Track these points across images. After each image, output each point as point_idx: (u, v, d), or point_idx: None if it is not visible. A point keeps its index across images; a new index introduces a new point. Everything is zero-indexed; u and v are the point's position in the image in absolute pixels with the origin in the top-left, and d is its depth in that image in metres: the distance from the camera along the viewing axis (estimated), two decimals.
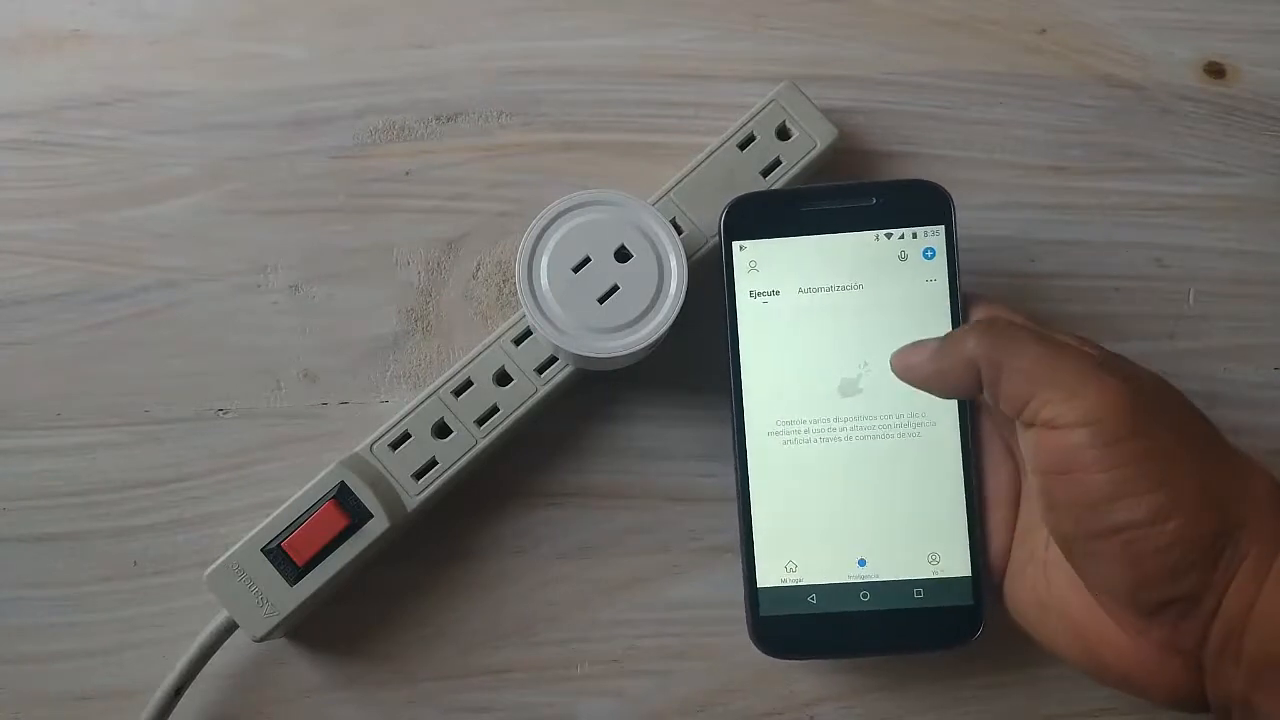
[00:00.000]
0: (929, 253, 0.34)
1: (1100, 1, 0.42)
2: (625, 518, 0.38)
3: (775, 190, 0.35)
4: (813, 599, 0.34)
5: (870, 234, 0.35)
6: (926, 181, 0.35)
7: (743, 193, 0.35)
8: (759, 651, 0.34)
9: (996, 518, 0.33)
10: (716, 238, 0.36)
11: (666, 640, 0.37)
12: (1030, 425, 0.29)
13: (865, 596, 0.33)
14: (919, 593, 0.33)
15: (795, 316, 0.35)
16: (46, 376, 0.38)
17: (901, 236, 0.34)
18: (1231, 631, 0.27)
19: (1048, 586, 0.31)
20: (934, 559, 0.33)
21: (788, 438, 0.34)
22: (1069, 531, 0.28)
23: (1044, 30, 0.42)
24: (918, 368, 0.32)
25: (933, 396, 0.33)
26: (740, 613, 0.34)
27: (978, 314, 0.33)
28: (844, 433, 0.34)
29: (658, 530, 0.38)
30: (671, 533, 0.38)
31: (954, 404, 0.34)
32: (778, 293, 0.35)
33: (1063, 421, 0.28)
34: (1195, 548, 0.27)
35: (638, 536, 0.38)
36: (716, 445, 0.38)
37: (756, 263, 0.35)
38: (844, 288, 0.35)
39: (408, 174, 0.40)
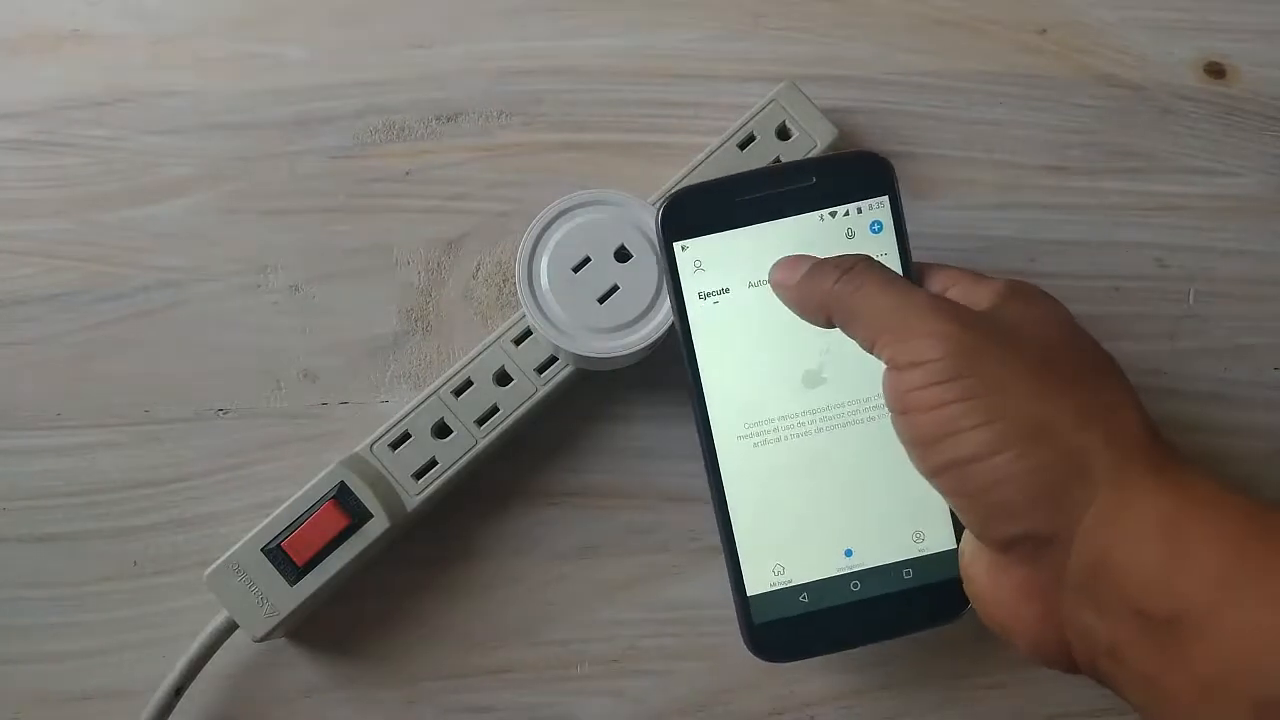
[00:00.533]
0: (876, 226, 0.33)
1: (1100, 1, 0.42)
2: (625, 518, 0.38)
3: (709, 182, 0.34)
4: (804, 598, 0.33)
5: (814, 215, 0.33)
6: (864, 152, 0.34)
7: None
8: (757, 658, 0.33)
9: None
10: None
11: (666, 640, 0.37)
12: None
13: (856, 586, 0.33)
14: (908, 573, 0.33)
15: (749, 313, 0.33)
16: (46, 376, 0.38)
17: (846, 213, 0.33)
18: (1089, 578, 0.26)
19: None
20: (919, 537, 0.33)
21: (757, 439, 0.33)
22: (920, 470, 0.29)
23: (1044, 30, 0.42)
24: (784, 289, 0.32)
25: None
26: (732, 595, 0.34)
27: (932, 283, 0.32)
28: (813, 425, 0.33)
29: (657, 530, 0.38)
30: (671, 533, 0.38)
31: None
32: (727, 290, 0.33)
33: (898, 363, 0.28)
34: (1030, 483, 0.26)
35: (637, 536, 0.38)
36: None
37: (701, 262, 0.33)
38: None
39: (408, 174, 0.40)
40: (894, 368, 0.29)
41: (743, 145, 0.38)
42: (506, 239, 0.39)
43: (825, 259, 0.31)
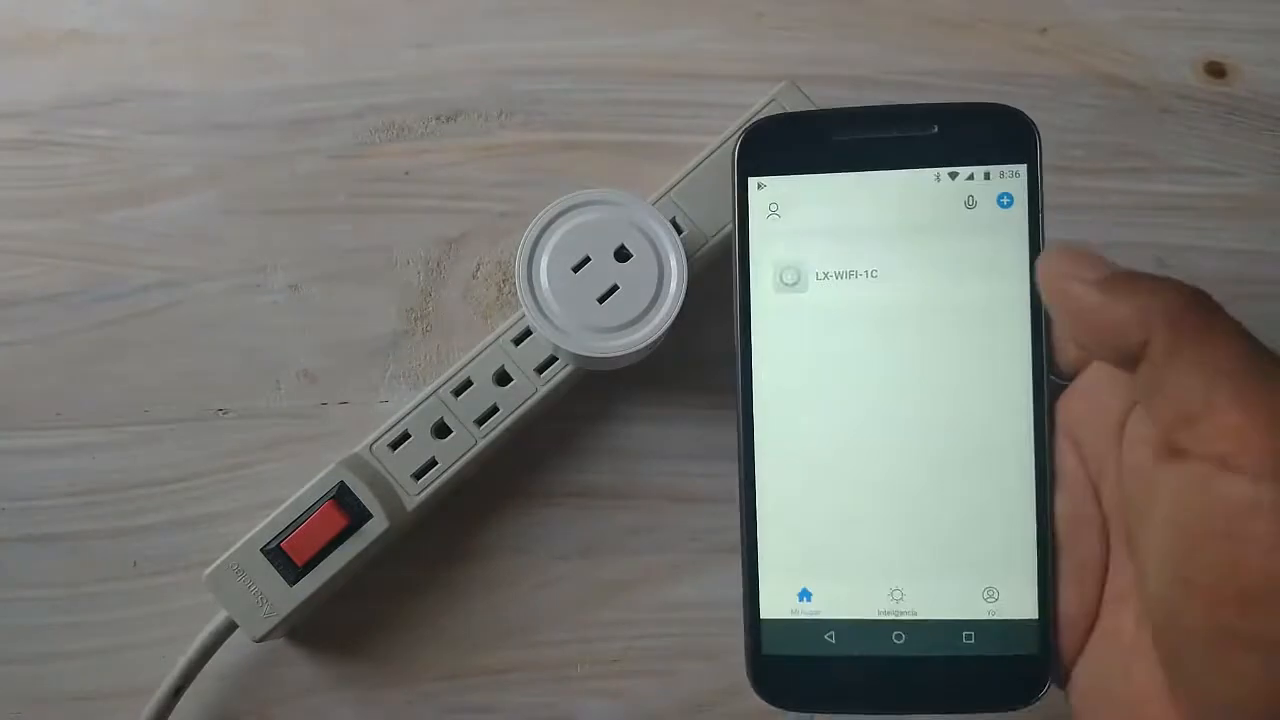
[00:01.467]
0: (1005, 200, 0.27)
1: (1101, 1, 0.42)
2: (625, 518, 0.38)
3: (807, 112, 0.29)
4: (831, 638, 0.26)
5: (929, 172, 0.27)
6: (1004, 106, 0.27)
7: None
8: (761, 699, 0.27)
9: (1069, 565, 0.25)
10: (718, 234, 0.35)
11: (666, 641, 0.37)
12: (1182, 454, 0.21)
13: (900, 639, 0.26)
14: (969, 637, 0.26)
15: (825, 291, 0.27)
16: (46, 376, 0.38)
17: (970, 177, 0.27)
18: None
19: (1125, 679, 0.23)
20: (991, 595, 0.26)
21: (809, 439, 0.27)
22: (1192, 619, 0.20)
23: (1045, 30, 0.42)
24: (1074, 293, 0.23)
25: (997, 397, 0.26)
26: (741, 613, 0.34)
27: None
28: (882, 436, 0.27)
29: (658, 530, 0.38)
30: (671, 533, 0.38)
31: (1027, 403, 0.26)
32: (804, 258, 0.27)
33: (1243, 463, 0.19)
34: None
35: (638, 537, 0.38)
36: (717, 445, 0.38)
37: (778, 205, 0.27)
38: (889, 241, 0.27)
39: (407, 173, 0.40)
40: (1227, 467, 0.20)
41: None
42: (506, 239, 0.39)
43: (1142, 274, 0.23)
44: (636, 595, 0.37)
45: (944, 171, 0.27)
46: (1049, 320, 0.26)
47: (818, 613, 0.27)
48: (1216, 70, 0.41)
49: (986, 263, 0.27)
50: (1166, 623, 0.22)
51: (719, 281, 0.35)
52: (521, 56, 0.40)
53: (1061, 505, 0.26)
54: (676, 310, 0.34)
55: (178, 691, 0.34)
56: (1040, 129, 0.42)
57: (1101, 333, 0.23)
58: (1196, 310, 0.21)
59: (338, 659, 0.37)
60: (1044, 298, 0.25)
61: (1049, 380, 0.26)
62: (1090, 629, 0.25)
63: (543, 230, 0.34)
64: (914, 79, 0.41)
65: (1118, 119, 0.41)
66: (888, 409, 0.27)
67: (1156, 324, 0.21)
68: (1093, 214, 0.40)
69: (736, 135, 0.28)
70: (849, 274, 0.27)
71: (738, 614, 0.33)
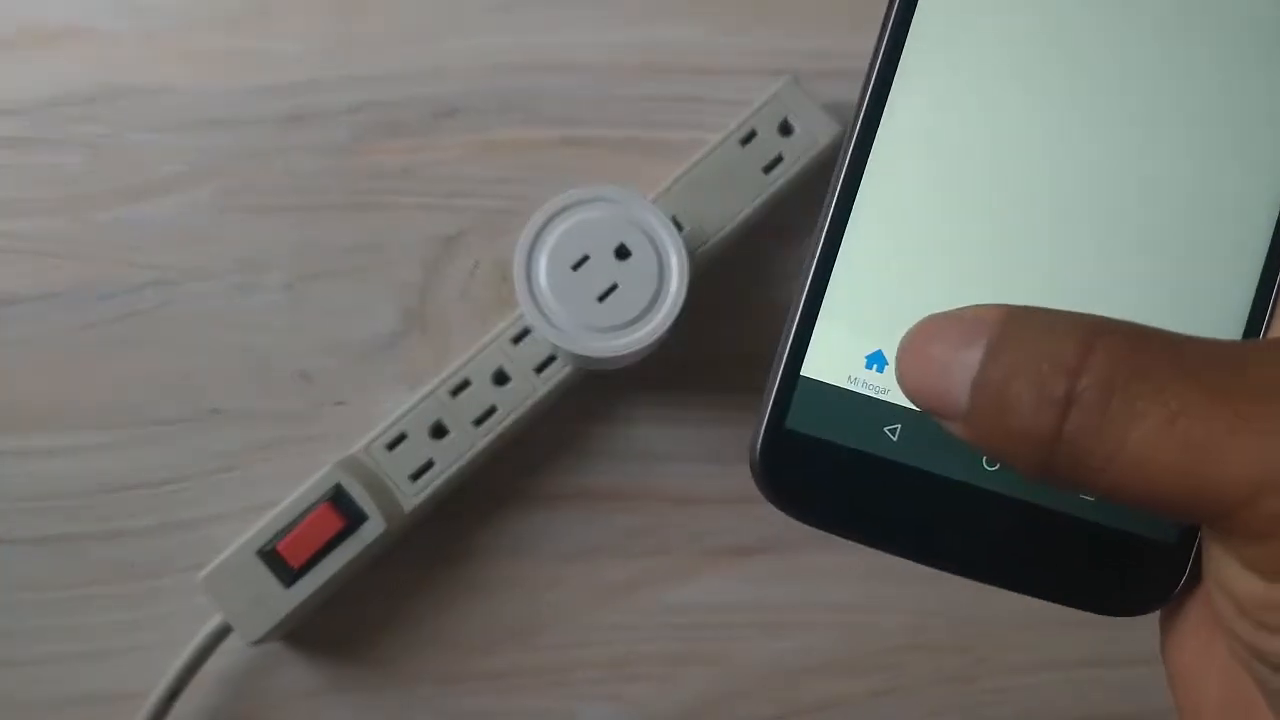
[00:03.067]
0: None
1: None
2: (625, 520, 0.37)
3: None
4: (893, 433, 0.19)
5: None
6: None
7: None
8: (762, 494, 0.19)
9: None
10: (719, 232, 0.34)
11: (667, 644, 0.37)
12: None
13: (994, 465, 0.18)
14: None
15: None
16: (38, 377, 0.37)
17: None
18: None
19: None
20: None
21: (955, 156, 0.20)
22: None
23: None
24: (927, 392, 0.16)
25: (1242, 157, 0.19)
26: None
27: None
28: (1060, 174, 0.19)
29: (658, 533, 0.37)
30: (672, 535, 0.37)
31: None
32: None
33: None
34: None
35: (638, 539, 0.37)
36: (719, 446, 0.37)
37: None
38: None
39: (404, 171, 0.39)
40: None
41: (744, 141, 0.37)
42: (505, 237, 0.39)
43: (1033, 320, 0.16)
44: (637, 598, 0.37)
45: None
46: None
47: (886, 392, 0.19)
48: None
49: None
50: None
51: (720, 280, 0.35)
52: (520, 52, 0.40)
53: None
54: (678, 309, 0.33)
55: (173, 695, 0.34)
56: None
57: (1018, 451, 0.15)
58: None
59: (334, 662, 0.36)
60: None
61: None
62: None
63: (541, 228, 0.34)
64: None
65: None
66: (1079, 139, 0.19)
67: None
68: None
69: None
70: None
71: (738, 617, 0.33)
